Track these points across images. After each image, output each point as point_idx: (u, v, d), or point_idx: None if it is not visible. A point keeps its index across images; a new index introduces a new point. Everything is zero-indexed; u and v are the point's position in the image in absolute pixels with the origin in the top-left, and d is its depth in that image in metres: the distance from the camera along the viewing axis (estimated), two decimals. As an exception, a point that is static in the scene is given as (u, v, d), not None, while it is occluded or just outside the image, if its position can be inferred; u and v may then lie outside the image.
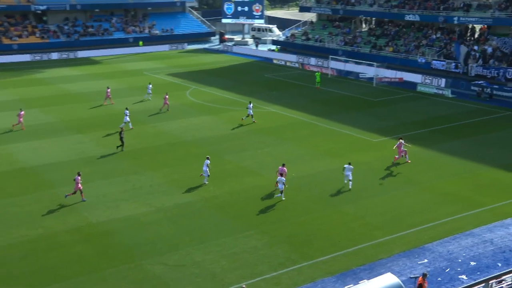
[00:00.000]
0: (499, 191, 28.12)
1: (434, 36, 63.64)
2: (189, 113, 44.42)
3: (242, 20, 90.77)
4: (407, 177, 30.25)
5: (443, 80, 55.10)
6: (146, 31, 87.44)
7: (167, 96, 45.14)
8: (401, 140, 32.42)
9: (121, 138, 34.34)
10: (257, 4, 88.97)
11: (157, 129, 39.98)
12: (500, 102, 48.65)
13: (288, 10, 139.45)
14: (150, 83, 50.36)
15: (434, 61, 58.70)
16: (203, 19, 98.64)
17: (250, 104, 41.55)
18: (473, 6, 60.85)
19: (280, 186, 27.04)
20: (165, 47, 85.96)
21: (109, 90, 47.98)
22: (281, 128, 40.14)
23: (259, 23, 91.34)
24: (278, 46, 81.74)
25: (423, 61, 59.95)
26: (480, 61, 55.02)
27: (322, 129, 39.91)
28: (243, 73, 64.91)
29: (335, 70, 63.31)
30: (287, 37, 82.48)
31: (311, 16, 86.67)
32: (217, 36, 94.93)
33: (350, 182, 28.24)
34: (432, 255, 21.84)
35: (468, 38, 61.73)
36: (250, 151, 34.66)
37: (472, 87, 52.19)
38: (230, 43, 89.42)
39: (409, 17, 66.38)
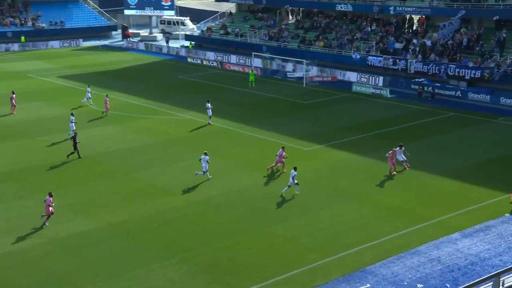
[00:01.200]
0: (445, 202, 29.39)
1: (369, 29, 65.99)
2: (88, 123, 43.77)
3: (148, 12, 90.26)
4: (344, 189, 31.03)
5: (381, 78, 57.15)
6: (29, 23, 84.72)
7: (107, 99, 46.04)
8: (395, 149, 32.79)
9: (75, 144, 35.28)
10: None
11: (48, 142, 38.94)
12: (443, 102, 51.04)
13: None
14: (89, 86, 50.47)
15: (370, 57, 60.79)
16: (101, 10, 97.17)
17: (208, 103, 43.53)
18: (410, -6, 63.78)
19: (290, 181, 29.56)
20: (54, 44, 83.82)
21: (14, 95, 47.43)
22: (199, 138, 40.22)
23: (169, 15, 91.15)
24: (193, 42, 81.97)
25: (358, 57, 61.93)
26: (420, 56, 57.58)
27: (246, 137, 40.29)
28: (152, 74, 64.53)
29: (259, 69, 64.09)
30: (202, 31, 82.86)
31: (229, 7, 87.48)
32: (119, 31, 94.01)
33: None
34: (375, 279, 22.43)
35: (405, 30, 64.45)
36: (163, 166, 34.43)
37: (413, 86, 54.47)
38: (135, 39, 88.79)
39: (341, 7, 68.44)
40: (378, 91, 54.14)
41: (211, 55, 73.26)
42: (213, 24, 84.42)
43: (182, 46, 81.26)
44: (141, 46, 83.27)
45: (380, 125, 42.83)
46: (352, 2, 67.77)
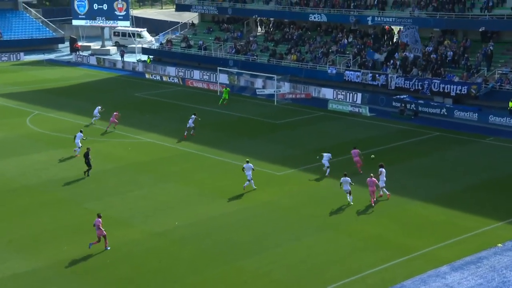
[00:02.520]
0: (432, 231, 29.58)
1: (345, 41, 66.82)
2: (32, 147, 43.37)
3: (100, 22, 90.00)
4: (321, 218, 31.09)
5: (359, 95, 57.80)
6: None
7: (116, 114, 48.42)
8: (381, 169, 33.61)
9: (88, 161, 37.40)
10: (119, 1, 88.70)
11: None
12: (427, 121, 51.73)
13: (162, 9, 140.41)
14: (99, 106, 51.04)
15: (347, 72, 61.48)
16: (46, 20, 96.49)
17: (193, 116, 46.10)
18: (389, 3, 64.72)
19: (345, 187, 32.65)
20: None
21: None
22: (159, 163, 40.07)
23: (123, 26, 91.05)
24: (151, 56, 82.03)
25: (334, 71, 62.57)
26: (401, 71, 58.43)
27: (212, 162, 40.31)
28: (105, 92, 64.40)
29: (225, 86, 64.28)
30: (161, 44, 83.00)
31: (191, 17, 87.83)
32: (67, 44, 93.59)
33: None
34: (357, 317, 22.46)
35: (385, 42, 65.41)
36: (119, 195, 34.12)
37: (394, 103, 55.17)
38: (85, 53, 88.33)
39: (314, 17, 69.27)
40: (356, 109, 54.70)
41: (171, 70, 73.37)
42: (173, 36, 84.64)
43: (139, 61, 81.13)
44: (92, 60, 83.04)
45: (359, 147, 42.97)
46: (326, 12, 68.61)
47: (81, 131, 42.73)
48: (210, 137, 46.35)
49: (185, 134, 45.69)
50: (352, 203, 32.60)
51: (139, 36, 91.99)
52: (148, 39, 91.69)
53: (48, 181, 36.44)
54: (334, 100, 57.75)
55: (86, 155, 37.70)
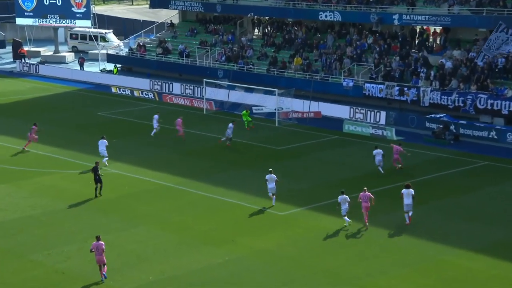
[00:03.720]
0: None
1: (365, 44, 66.93)
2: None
3: (52, 22, 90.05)
4: (336, 270, 30.82)
5: (383, 114, 57.85)
6: None
7: (180, 120, 53.83)
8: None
9: (98, 177, 40.14)
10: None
11: None
12: (471, 147, 51.61)
13: (132, 5, 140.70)
14: (157, 113, 55.84)
15: (367, 84, 61.54)
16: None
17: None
18: (420, -1, 65.20)
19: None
20: None
21: None
22: (129, 200, 39.95)
23: (83, 26, 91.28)
24: (118, 65, 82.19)
25: (351, 84, 62.71)
26: (436, 83, 58.43)
27: (196, 199, 40.25)
28: (59, 110, 64.42)
29: (213, 102, 64.22)
30: (131, 49, 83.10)
31: (170, 16, 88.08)
32: (9, 48, 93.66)
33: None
34: None
35: (416, 47, 65.49)
36: (76, 243, 33.88)
37: (428, 124, 55.15)
38: (33, 61, 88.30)
39: (326, 16, 69.55)
40: (379, 132, 54.70)
41: (145, 83, 73.50)
42: (147, 40, 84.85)
43: (103, 71, 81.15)
44: (43, 70, 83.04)
45: (382, 180, 42.95)
46: (341, 9, 68.90)
47: (103, 137, 46.64)
48: (194, 166, 46.19)
49: (221, 140, 51.43)
50: (347, 225, 35.47)
51: (104, 39, 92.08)
52: (115, 43, 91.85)
53: (-18, 226, 36.25)
54: (350, 121, 57.70)
55: (95, 170, 40.21)
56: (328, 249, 33.27)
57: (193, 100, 66.54)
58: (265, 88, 63.17)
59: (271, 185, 38.78)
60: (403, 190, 36.12)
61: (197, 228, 35.81)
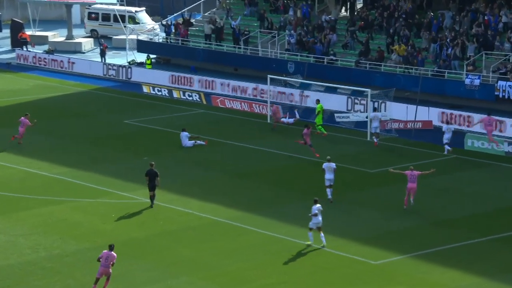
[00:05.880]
0: None
1: (497, 21, 65.96)
2: None
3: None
4: None
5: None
6: None
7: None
8: None
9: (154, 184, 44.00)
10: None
11: None
12: None
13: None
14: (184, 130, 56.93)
15: (501, 82, 60.78)
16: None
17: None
18: None
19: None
20: None
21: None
22: (165, 241, 40.10)
23: (106, 2, 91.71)
24: (153, 56, 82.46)
25: (477, 82, 61.88)
26: None
27: (257, 239, 40.34)
28: (71, 117, 65.04)
29: (280, 107, 63.63)
30: (169, 33, 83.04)
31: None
32: (7, 32, 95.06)
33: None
34: None
35: None
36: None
37: None
38: (38, 49, 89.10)
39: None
40: (521, 150, 54.01)
41: (188, 80, 73.79)
42: (192, 21, 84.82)
43: (132, 63, 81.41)
44: (52, 62, 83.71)
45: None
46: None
47: (184, 129, 54.73)
48: (254, 195, 46.22)
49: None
50: (310, 243, 38.27)
51: (133, 20, 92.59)
52: (149, 24, 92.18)
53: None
54: (475, 134, 56.74)
55: (152, 175, 43.87)
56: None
57: (253, 104, 66.19)
58: (354, 88, 63.06)
59: (330, 176, 43.80)
60: None
61: (259, 281, 35.67)
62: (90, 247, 38.98)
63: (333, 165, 43.97)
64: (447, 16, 68.96)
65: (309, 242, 38.53)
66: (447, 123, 55.08)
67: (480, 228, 41.30)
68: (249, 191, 47.02)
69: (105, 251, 33.21)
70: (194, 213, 43.45)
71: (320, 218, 38.29)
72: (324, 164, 44.19)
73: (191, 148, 55.22)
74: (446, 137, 53.49)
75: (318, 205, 38.66)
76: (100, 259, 32.99)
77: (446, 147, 53.55)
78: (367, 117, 58.98)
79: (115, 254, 33.04)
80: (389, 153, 54.80)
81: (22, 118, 54.82)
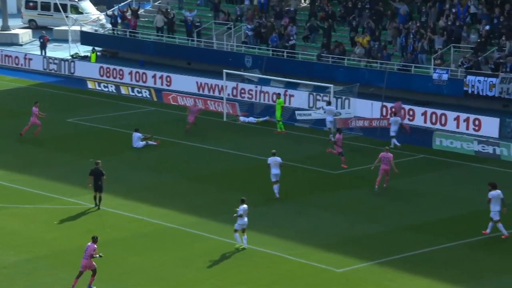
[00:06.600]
0: None
1: (465, 13, 66.47)
2: None
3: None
4: None
5: (495, 122, 57.62)
6: None
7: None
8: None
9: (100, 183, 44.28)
10: None
11: None
12: None
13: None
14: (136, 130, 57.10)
15: (470, 77, 61.25)
16: None
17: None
18: None
19: None
20: None
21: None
22: (114, 249, 39.58)
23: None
24: (98, 49, 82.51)
25: (445, 77, 62.49)
26: None
27: (212, 246, 40.49)
28: (6, 116, 64.99)
29: (237, 104, 63.90)
30: (116, 24, 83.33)
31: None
32: None
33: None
34: None
35: None
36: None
37: None
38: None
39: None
40: (489, 149, 54.39)
41: (137, 75, 74.03)
42: (141, 11, 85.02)
43: (75, 57, 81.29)
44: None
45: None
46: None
47: (136, 130, 55.11)
48: (209, 200, 46.50)
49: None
50: (244, 247, 39.04)
51: (76, 10, 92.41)
52: (93, 15, 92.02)
53: None
54: (444, 132, 57.48)
55: (97, 174, 44.16)
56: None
57: (208, 101, 66.51)
58: (315, 83, 63.34)
59: (276, 171, 44.68)
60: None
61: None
62: (30, 257, 38.91)
63: (278, 159, 45.29)
64: (402, 8, 69.56)
65: (238, 245, 39.24)
66: (393, 114, 56.87)
67: (449, 232, 41.80)
68: (203, 195, 47.20)
69: (89, 243, 34.56)
70: (144, 219, 43.55)
71: (246, 219, 39.11)
72: (269, 158, 45.40)
73: (141, 149, 55.49)
74: (393, 130, 55.59)
75: (245, 205, 39.37)
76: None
77: (393, 141, 55.07)
78: (328, 115, 59.40)
79: (95, 246, 34.30)
80: (353, 153, 54.80)
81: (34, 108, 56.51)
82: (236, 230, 39.10)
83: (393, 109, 58.67)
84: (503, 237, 40.08)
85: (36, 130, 56.91)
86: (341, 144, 51.00)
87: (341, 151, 51.00)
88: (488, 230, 40.40)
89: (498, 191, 40.42)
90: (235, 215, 39.04)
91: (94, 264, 34.46)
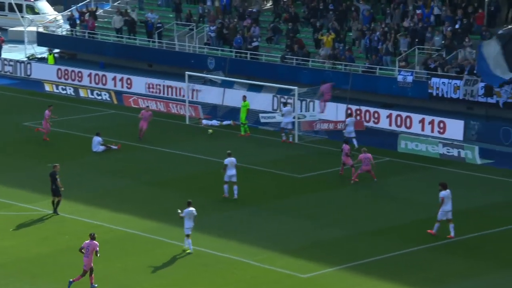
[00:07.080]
0: None
1: (430, 15, 66.64)
2: None
3: None
4: None
5: (460, 124, 57.91)
6: None
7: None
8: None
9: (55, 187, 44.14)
10: None
11: None
12: None
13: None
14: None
15: (434, 80, 61.33)
16: None
17: None
18: None
19: None
20: None
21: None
22: (72, 257, 39.03)
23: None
24: (55, 50, 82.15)
25: (410, 79, 62.53)
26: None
27: (176, 253, 40.06)
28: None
29: (200, 107, 63.82)
30: (74, 25, 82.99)
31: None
32: None
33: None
34: None
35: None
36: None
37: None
38: None
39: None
40: (454, 152, 54.56)
41: (96, 77, 73.66)
42: (100, 11, 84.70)
43: (32, 58, 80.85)
44: None
45: (458, 229, 42.61)
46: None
47: (98, 134, 54.43)
48: (172, 205, 45.26)
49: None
50: (191, 251, 39.16)
51: (32, 10, 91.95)
52: (50, 15, 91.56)
53: None
54: (409, 135, 57.57)
55: (53, 177, 44.17)
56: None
57: (170, 104, 66.34)
58: (279, 85, 63.29)
59: (232, 172, 45.74)
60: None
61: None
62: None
63: (234, 160, 46.18)
64: (363, 9, 69.64)
65: (189, 250, 39.38)
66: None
67: (415, 237, 41.92)
68: (164, 200, 46.98)
69: (86, 241, 35.17)
70: (104, 225, 43.22)
71: (192, 223, 39.22)
72: (226, 159, 46.15)
73: (101, 154, 55.29)
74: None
75: (191, 208, 39.32)
76: (82, 250, 35.07)
77: (354, 141, 55.43)
78: (293, 118, 59.41)
79: (96, 243, 35.11)
80: (318, 157, 55.20)
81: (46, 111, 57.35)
82: (188, 235, 39.08)
83: (321, 91, 59.71)
84: (448, 236, 40.72)
85: (44, 135, 57.43)
86: (350, 153, 50.82)
87: (352, 163, 50.26)
88: (434, 230, 40.99)
89: (448, 191, 40.96)
90: (179, 216, 39.34)
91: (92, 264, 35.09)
